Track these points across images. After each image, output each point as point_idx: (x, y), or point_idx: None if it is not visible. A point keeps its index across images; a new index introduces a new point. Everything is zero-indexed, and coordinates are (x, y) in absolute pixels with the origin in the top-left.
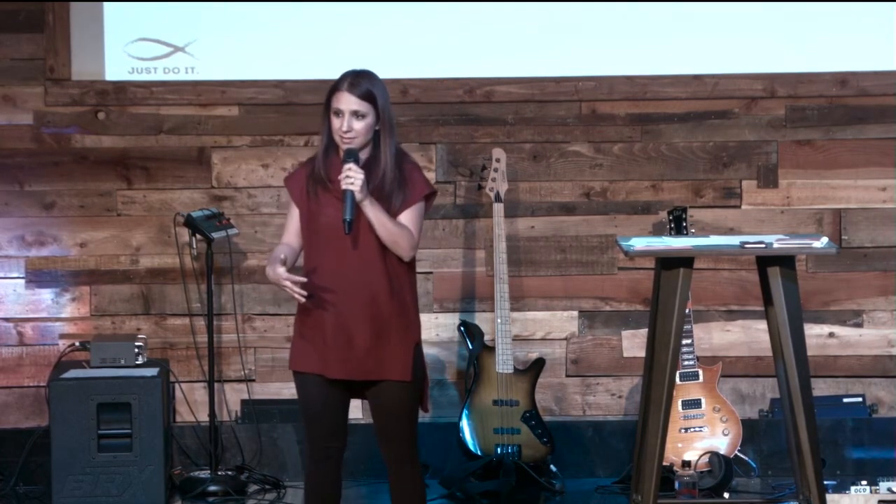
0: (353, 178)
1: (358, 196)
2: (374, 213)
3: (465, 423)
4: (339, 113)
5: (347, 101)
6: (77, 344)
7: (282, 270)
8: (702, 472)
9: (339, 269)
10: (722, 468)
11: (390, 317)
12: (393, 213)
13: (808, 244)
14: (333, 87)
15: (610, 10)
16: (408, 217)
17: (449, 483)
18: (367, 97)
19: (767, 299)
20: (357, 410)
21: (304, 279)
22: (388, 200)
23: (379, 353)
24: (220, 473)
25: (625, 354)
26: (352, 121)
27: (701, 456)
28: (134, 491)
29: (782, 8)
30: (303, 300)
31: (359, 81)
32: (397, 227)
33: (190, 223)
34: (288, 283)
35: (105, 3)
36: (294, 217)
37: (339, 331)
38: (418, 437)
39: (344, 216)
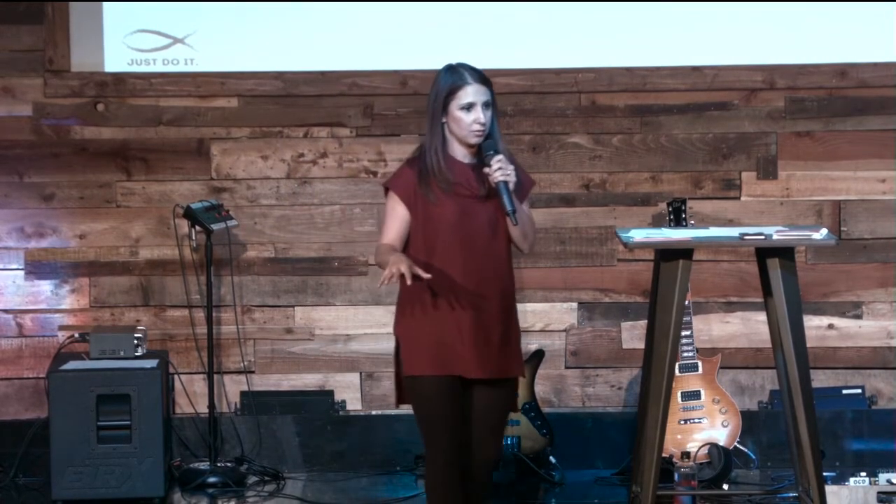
0: (506, 169)
1: (511, 187)
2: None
3: None
4: (471, 107)
5: (478, 93)
6: (76, 335)
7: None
8: (701, 464)
9: (471, 267)
10: (721, 460)
11: (512, 312)
12: None
13: (807, 235)
14: (453, 84)
15: (609, 2)
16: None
17: None
18: (489, 83)
19: (767, 291)
20: (356, 402)
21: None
22: None
23: (508, 349)
24: (219, 465)
25: (624, 346)
26: (486, 111)
27: (700, 447)
28: (133, 482)
29: None
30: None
31: (475, 71)
32: (531, 220)
33: (189, 215)
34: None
35: None
36: (399, 220)
37: (478, 329)
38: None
39: (507, 208)
